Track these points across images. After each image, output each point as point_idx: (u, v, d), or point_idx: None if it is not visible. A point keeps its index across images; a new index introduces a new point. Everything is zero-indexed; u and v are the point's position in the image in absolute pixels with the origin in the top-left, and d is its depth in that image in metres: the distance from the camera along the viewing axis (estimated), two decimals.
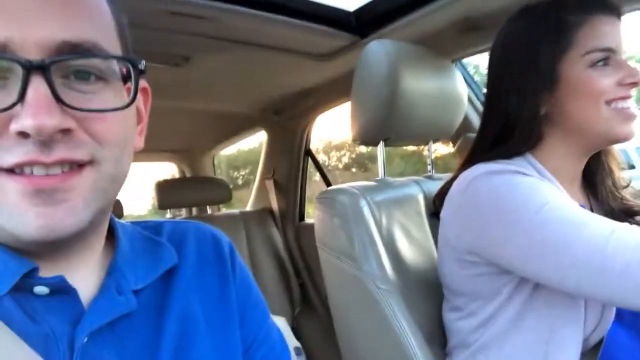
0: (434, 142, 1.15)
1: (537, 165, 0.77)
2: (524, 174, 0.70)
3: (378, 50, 0.98)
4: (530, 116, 0.75)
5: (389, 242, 0.90)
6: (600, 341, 0.73)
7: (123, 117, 0.42)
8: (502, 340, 0.74)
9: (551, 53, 0.74)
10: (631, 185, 0.86)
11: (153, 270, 0.48)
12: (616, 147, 0.85)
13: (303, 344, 1.87)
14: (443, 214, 0.79)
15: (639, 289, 0.57)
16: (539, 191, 0.67)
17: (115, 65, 0.41)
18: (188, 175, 2.60)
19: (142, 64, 0.42)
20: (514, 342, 0.73)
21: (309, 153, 2.08)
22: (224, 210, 2.41)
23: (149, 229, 0.52)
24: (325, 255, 0.95)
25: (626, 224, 0.62)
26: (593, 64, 0.72)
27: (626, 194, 0.85)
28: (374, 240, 0.88)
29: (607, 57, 0.72)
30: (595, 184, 0.83)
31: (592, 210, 0.81)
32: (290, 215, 2.13)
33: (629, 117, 0.73)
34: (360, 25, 1.26)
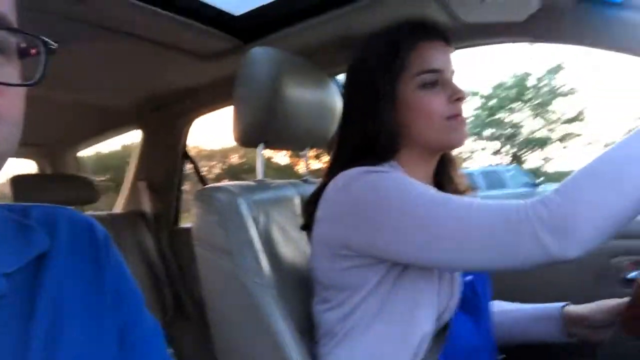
0: (311, 148, 1.22)
1: (399, 169, 0.86)
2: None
3: (261, 56, 1.02)
4: (382, 132, 0.84)
5: (265, 240, 0.94)
6: (446, 325, 0.84)
7: (20, 95, 0.40)
8: (366, 328, 0.82)
9: (388, 75, 0.84)
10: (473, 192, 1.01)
11: (23, 253, 0.45)
12: (464, 170, 1.00)
13: (176, 351, 1.81)
14: (318, 214, 0.85)
15: (503, 246, 0.66)
16: (410, 183, 0.76)
17: (16, 41, 0.40)
18: None
19: (55, 45, 0.41)
20: (376, 329, 0.81)
21: (186, 155, 2.04)
22: (90, 212, 2.24)
23: (16, 212, 0.49)
24: (202, 252, 0.96)
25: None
26: (423, 85, 0.84)
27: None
28: (251, 236, 0.91)
29: (436, 79, 0.84)
30: (441, 188, 0.94)
31: None
32: (165, 219, 2.06)
33: (459, 125, 0.85)
34: (245, 30, 1.29)
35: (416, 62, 0.83)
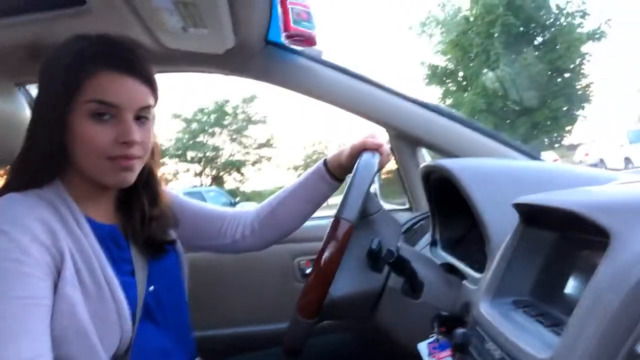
0: None
1: (62, 193, 0.79)
2: (24, 227, 0.70)
3: None
4: (35, 153, 0.79)
5: None
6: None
7: None
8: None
9: (61, 93, 0.76)
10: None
11: None
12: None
13: None
14: None
15: None
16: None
17: None
18: None
19: None
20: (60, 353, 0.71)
21: None
22: None
23: None
24: None
25: None
26: (92, 115, 0.76)
27: (160, 225, 0.91)
28: None
29: (107, 112, 0.77)
30: (129, 212, 0.89)
31: (125, 234, 0.87)
32: None
33: (119, 170, 0.79)
34: None
35: (90, 89, 0.76)
